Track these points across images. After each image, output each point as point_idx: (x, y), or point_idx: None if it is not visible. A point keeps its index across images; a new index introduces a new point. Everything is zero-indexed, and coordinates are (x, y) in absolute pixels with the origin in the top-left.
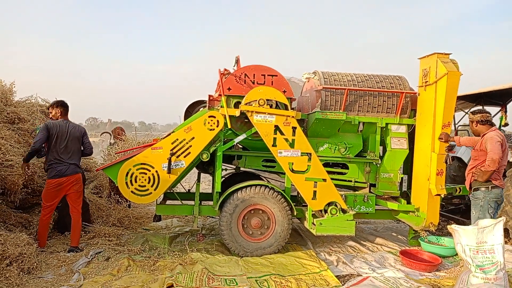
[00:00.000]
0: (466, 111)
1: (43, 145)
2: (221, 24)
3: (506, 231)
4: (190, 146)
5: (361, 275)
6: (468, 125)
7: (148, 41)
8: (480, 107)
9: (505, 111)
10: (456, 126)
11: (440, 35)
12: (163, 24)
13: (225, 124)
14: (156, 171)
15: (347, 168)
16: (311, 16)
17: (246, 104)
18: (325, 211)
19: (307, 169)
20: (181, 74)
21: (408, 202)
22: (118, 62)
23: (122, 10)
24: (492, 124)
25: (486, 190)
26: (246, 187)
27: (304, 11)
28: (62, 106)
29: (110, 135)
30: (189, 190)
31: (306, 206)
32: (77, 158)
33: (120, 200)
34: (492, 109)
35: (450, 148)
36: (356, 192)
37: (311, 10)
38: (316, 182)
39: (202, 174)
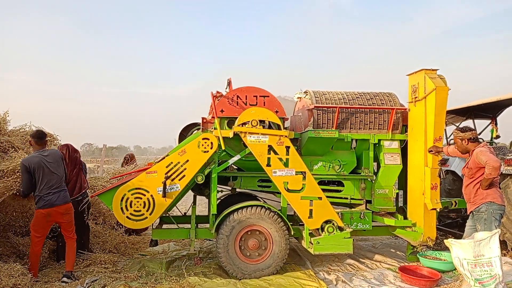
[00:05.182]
0: (457, 124)
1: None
2: (217, 48)
3: (504, 243)
4: (185, 169)
5: None
6: None
7: (144, 64)
8: (468, 123)
9: (496, 124)
10: (448, 140)
11: (428, 50)
12: (156, 46)
13: (219, 145)
14: (151, 195)
15: (342, 185)
16: (307, 33)
17: (239, 125)
18: (322, 230)
19: (302, 188)
20: (176, 96)
21: (405, 218)
22: (113, 86)
23: (114, 31)
24: (479, 141)
25: (488, 203)
26: (242, 208)
27: (300, 27)
28: (31, 136)
29: (128, 160)
30: (185, 213)
31: (303, 225)
32: (64, 184)
33: (115, 227)
34: (482, 122)
35: (443, 162)
36: (353, 209)
37: (307, 27)
38: (312, 201)
39: (198, 197)
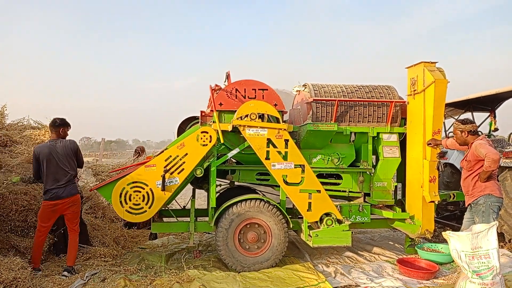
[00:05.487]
0: (456, 117)
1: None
2: (216, 40)
3: (501, 235)
4: (184, 162)
5: (359, 286)
6: None
7: (142, 59)
8: (467, 116)
9: (494, 116)
10: (447, 132)
11: (426, 43)
12: (155, 41)
13: (218, 139)
14: (150, 189)
15: (341, 178)
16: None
17: (238, 118)
18: (321, 223)
19: (301, 181)
20: (174, 91)
21: (403, 210)
22: (112, 80)
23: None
24: (479, 134)
25: (486, 195)
26: (241, 201)
27: (300, 23)
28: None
29: (139, 153)
30: (184, 206)
31: (302, 218)
32: (73, 178)
33: (114, 220)
34: (480, 115)
35: (442, 155)
36: (351, 202)
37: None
38: (311, 194)
39: (197, 190)
